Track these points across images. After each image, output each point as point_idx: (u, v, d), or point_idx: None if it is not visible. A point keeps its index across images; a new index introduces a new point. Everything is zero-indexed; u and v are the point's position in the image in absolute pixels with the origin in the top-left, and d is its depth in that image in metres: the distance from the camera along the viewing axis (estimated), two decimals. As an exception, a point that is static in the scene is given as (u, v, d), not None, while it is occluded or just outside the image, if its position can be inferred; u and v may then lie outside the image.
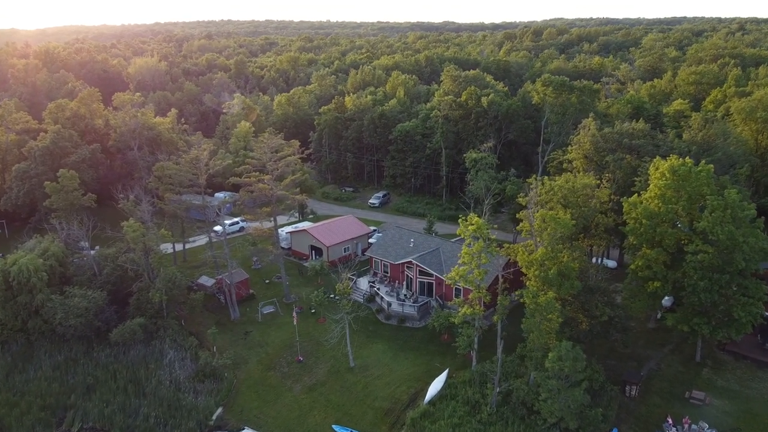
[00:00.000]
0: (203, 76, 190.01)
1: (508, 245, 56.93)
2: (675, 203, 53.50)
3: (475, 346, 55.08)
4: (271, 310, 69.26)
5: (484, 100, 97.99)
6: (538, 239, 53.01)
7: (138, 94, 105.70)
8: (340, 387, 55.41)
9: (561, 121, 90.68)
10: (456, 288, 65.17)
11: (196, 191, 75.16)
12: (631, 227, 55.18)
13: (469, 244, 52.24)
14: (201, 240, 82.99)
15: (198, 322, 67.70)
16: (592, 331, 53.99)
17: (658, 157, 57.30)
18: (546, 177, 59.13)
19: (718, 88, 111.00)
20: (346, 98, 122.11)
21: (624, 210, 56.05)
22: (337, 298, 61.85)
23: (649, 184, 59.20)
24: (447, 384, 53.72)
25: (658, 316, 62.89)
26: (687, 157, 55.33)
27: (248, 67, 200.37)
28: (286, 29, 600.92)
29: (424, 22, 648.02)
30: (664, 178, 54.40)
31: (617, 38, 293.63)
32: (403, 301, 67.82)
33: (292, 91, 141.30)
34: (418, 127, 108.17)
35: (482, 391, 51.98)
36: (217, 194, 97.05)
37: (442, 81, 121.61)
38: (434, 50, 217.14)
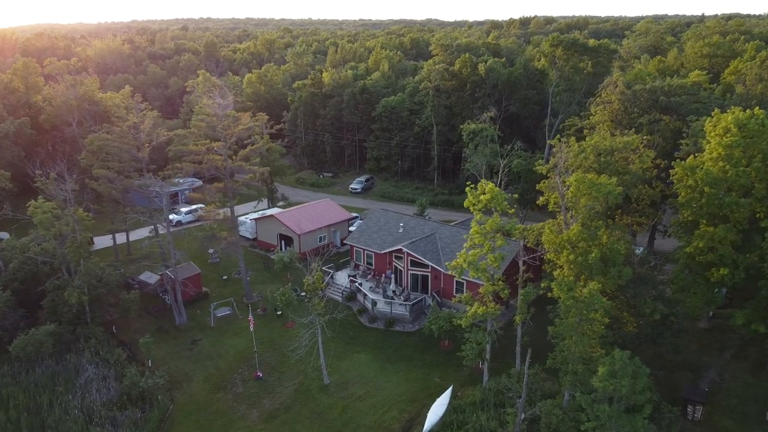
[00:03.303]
0: (170, 59, 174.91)
1: (522, 227, 43.91)
2: (745, 166, 41.08)
3: (487, 356, 42.16)
4: (227, 313, 55.66)
5: (481, 67, 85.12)
6: (571, 214, 40.22)
7: (75, 59, 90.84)
8: (310, 412, 41.96)
9: (571, 88, 78.33)
10: (458, 282, 52.28)
11: (137, 167, 61.19)
12: (687, 198, 42.54)
13: (480, 220, 39.32)
14: (146, 230, 69.17)
15: (134, 329, 53.89)
16: (639, 334, 41.42)
17: (716, 110, 44.82)
18: (573, 138, 46.30)
19: (738, 58, 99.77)
20: (324, 73, 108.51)
21: (676, 176, 43.45)
22: (306, 296, 48.14)
23: (700, 147, 46.92)
24: (451, 407, 40.60)
25: (710, 313, 50.51)
26: (757, 108, 42.90)
27: (220, 51, 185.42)
28: (267, 26, 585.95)
29: (407, 19, 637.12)
30: (729, 134, 41.91)
31: (606, 27, 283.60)
32: (392, 298, 54.64)
33: (263, 68, 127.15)
34: (405, 102, 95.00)
35: (499, 417, 38.98)
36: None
37: (431, 51, 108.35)
38: (420, 34, 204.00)
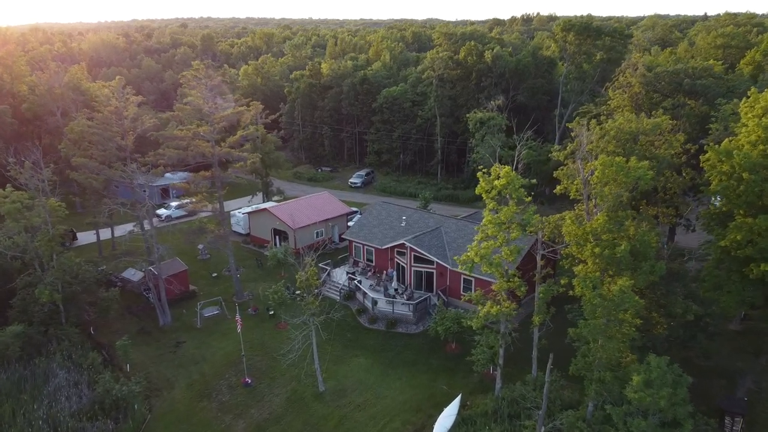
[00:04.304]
0: (166, 53, 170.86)
1: (539, 218, 39.54)
2: (788, 150, 36.87)
3: (500, 361, 37.92)
4: (215, 313, 51.47)
5: (487, 54, 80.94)
6: (595, 203, 36.03)
7: (59, 43, 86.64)
8: (303, 424, 37.73)
9: (582, 77, 74.16)
10: (465, 279, 48.11)
11: (120, 156, 56.96)
12: (723, 185, 38.32)
13: (494, 209, 35.14)
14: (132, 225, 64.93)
15: (114, 330, 49.67)
16: (669, 337, 37.22)
17: (753, 89, 40.62)
18: (594, 120, 42.18)
19: (756, 47, 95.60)
20: (323, 64, 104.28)
21: (708, 162, 39.25)
22: (299, 294, 43.85)
23: (731, 131, 42.73)
24: (460, 417, 36.41)
25: (742, 314, 46.30)
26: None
27: (217, 45, 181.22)
28: (267, 25, 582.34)
29: (407, 19, 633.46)
30: (769, 115, 37.73)
31: (610, 24, 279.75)
32: (394, 297, 50.40)
33: (260, 59, 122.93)
34: (407, 92, 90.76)
35: (514, 429, 34.78)
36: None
37: (435, 41, 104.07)
38: (422, 30, 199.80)
